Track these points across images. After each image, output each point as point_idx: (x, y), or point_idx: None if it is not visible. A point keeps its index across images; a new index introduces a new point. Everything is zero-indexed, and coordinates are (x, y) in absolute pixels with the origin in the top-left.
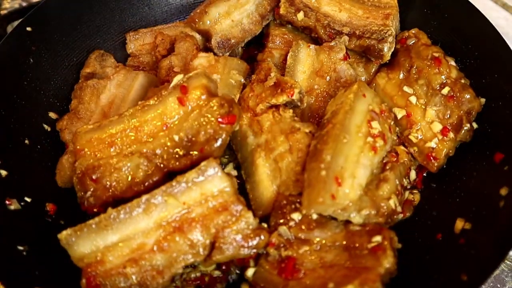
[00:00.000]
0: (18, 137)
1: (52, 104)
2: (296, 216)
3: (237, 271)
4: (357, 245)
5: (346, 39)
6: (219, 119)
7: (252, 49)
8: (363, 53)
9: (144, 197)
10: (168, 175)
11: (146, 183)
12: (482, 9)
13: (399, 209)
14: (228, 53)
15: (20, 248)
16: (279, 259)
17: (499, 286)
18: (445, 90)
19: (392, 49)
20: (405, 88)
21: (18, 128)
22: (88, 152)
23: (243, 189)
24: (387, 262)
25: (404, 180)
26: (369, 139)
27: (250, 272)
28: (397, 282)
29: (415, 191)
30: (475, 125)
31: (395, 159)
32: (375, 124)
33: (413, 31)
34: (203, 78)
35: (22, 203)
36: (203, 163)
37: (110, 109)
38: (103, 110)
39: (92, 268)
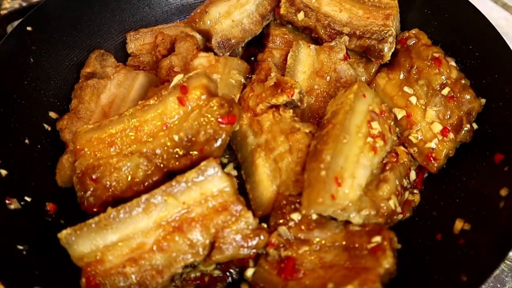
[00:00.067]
0: (18, 136)
1: (52, 103)
2: (296, 216)
3: (237, 269)
4: (356, 245)
5: (346, 39)
6: (219, 119)
7: (252, 49)
8: (363, 53)
9: (143, 197)
10: (168, 175)
11: (146, 183)
12: (482, 9)
13: (399, 209)
14: (228, 53)
15: (20, 247)
16: (279, 259)
17: (499, 286)
18: (445, 91)
19: (393, 50)
20: (405, 89)
21: (18, 127)
22: (88, 152)
23: (243, 189)
24: (387, 262)
25: (404, 180)
26: (369, 139)
27: (249, 272)
28: (397, 282)
29: (415, 192)
30: (475, 126)
31: (395, 159)
32: (375, 124)
33: (414, 32)
34: (203, 78)
35: (22, 203)
36: (203, 163)
37: (110, 108)
38: (103, 110)
39: (92, 267)
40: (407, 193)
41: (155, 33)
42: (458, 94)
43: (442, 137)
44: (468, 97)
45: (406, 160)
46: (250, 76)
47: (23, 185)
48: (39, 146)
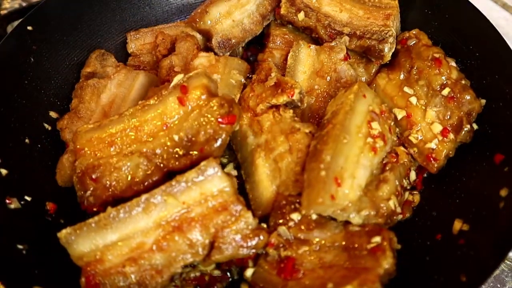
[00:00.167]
0: (18, 136)
1: (53, 103)
2: (296, 216)
3: (236, 269)
4: (356, 245)
5: (346, 40)
6: (219, 119)
7: (252, 49)
8: (363, 53)
9: (143, 197)
10: (168, 175)
11: (146, 183)
12: (482, 9)
13: (398, 209)
14: (228, 53)
15: (20, 247)
16: (278, 259)
17: (499, 286)
18: (446, 91)
19: (393, 50)
20: (406, 89)
21: (19, 127)
22: (88, 152)
23: (243, 189)
24: (386, 262)
25: (404, 180)
26: (369, 139)
27: (249, 272)
28: (397, 282)
29: (415, 192)
30: (475, 126)
31: (395, 159)
32: (375, 124)
33: (414, 32)
34: (203, 78)
35: (22, 202)
36: (203, 163)
37: (110, 108)
38: (103, 110)
39: (92, 267)
40: (407, 193)
41: (155, 33)
42: (458, 95)
43: (442, 138)
44: (468, 97)
45: (406, 160)
46: (250, 76)
47: (23, 184)
48: (39, 145)
